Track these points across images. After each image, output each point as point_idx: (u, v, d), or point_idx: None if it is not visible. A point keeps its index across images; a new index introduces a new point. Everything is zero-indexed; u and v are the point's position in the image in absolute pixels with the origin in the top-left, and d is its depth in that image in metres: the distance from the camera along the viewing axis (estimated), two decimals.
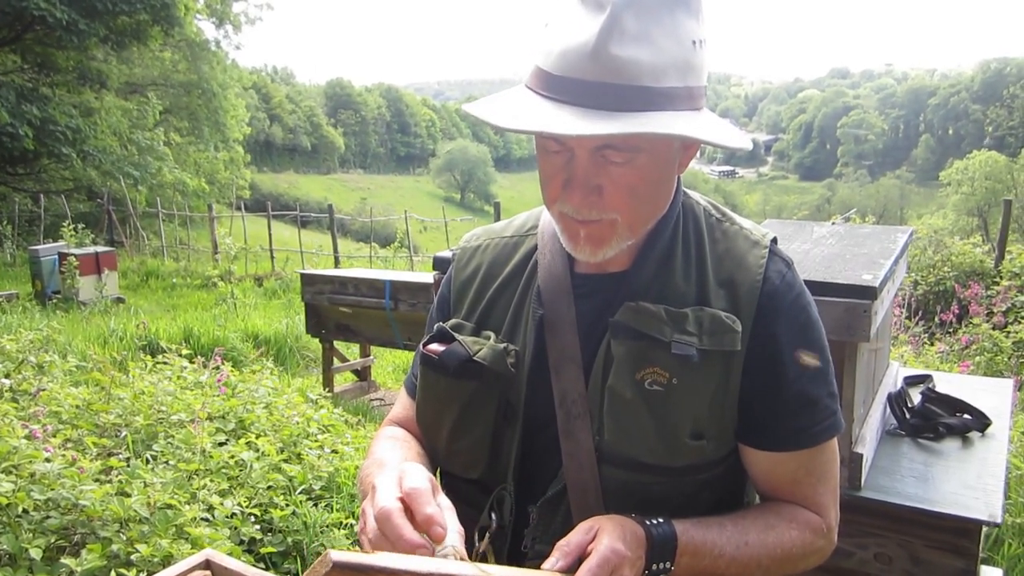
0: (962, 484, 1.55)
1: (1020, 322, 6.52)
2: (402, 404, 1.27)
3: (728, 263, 1.06)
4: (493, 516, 1.08)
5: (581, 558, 0.88)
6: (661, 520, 0.95)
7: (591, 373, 1.04)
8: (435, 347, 1.12)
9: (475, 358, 1.07)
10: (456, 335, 1.11)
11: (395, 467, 0.93)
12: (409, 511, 0.85)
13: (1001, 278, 7.60)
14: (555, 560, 0.88)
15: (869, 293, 1.48)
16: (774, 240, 1.09)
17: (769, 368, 1.02)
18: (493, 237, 1.23)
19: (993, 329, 6.21)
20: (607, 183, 0.97)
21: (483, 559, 1.09)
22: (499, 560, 1.08)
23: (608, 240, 1.01)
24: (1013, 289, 7.14)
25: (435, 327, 1.16)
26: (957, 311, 6.67)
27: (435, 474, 1.13)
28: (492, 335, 1.11)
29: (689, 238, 1.08)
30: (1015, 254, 8.20)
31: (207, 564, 1.31)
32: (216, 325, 7.31)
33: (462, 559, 0.85)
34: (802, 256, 1.75)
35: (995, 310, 6.57)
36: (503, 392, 1.07)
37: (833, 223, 2.11)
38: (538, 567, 0.89)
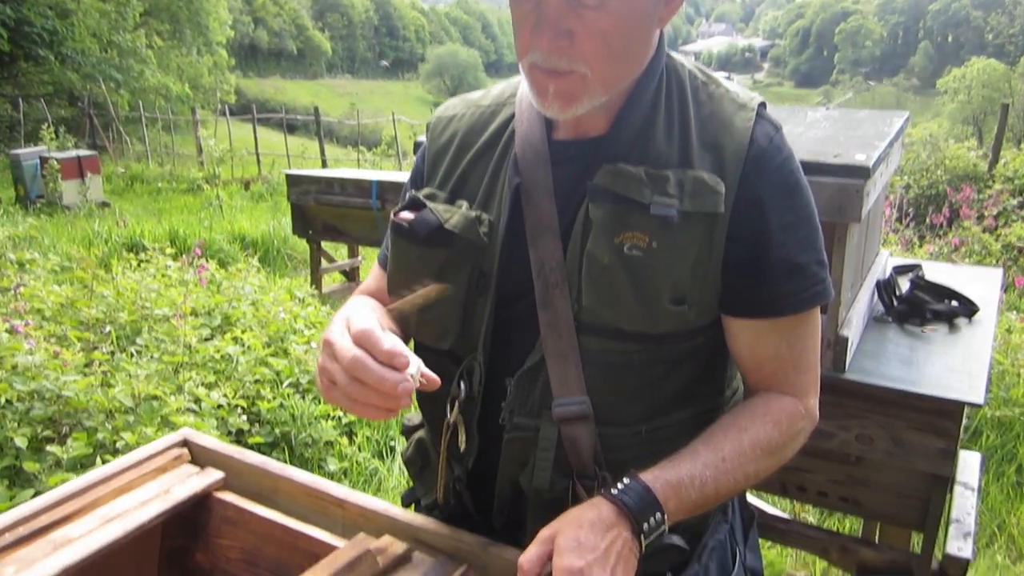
0: (947, 368, 1.54)
1: (1010, 225, 6.51)
2: (373, 276, 1.24)
3: (713, 125, 1.01)
4: (463, 386, 1.05)
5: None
6: (627, 481, 0.93)
7: (569, 240, 1.00)
8: (406, 215, 1.07)
9: (446, 226, 1.03)
10: (428, 203, 1.07)
11: (342, 322, 0.91)
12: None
13: (994, 181, 7.55)
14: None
15: (862, 173, 1.43)
16: (762, 104, 1.04)
17: (754, 233, 0.98)
18: (469, 107, 1.17)
19: (983, 232, 6.21)
20: (578, 28, 0.92)
21: (453, 429, 1.07)
22: (470, 441, 1.07)
23: (579, 96, 0.96)
24: (1005, 193, 7.11)
25: (407, 195, 1.11)
26: (948, 214, 6.65)
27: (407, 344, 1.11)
28: (465, 204, 1.07)
29: (672, 100, 1.03)
30: (1009, 159, 8.14)
31: (184, 443, 1.30)
32: (202, 227, 7.24)
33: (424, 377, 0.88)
34: (795, 138, 1.69)
35: (986, 213, 6.56)
36: (476, 261, 1.03)
37: (828, 108, 2.04)
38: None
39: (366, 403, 0.84)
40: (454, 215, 1.04)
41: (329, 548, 1.08)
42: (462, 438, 1.04)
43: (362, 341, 0.85)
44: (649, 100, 1.02)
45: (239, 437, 2.82)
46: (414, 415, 1.31)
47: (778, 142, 1.01)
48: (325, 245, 6.36)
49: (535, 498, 1.05)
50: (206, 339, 3.26)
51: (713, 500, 0.97)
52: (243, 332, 3.29)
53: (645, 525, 0.90)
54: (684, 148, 0.99)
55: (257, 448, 2.84)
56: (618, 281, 0.96)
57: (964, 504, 1.71)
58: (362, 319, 0.87)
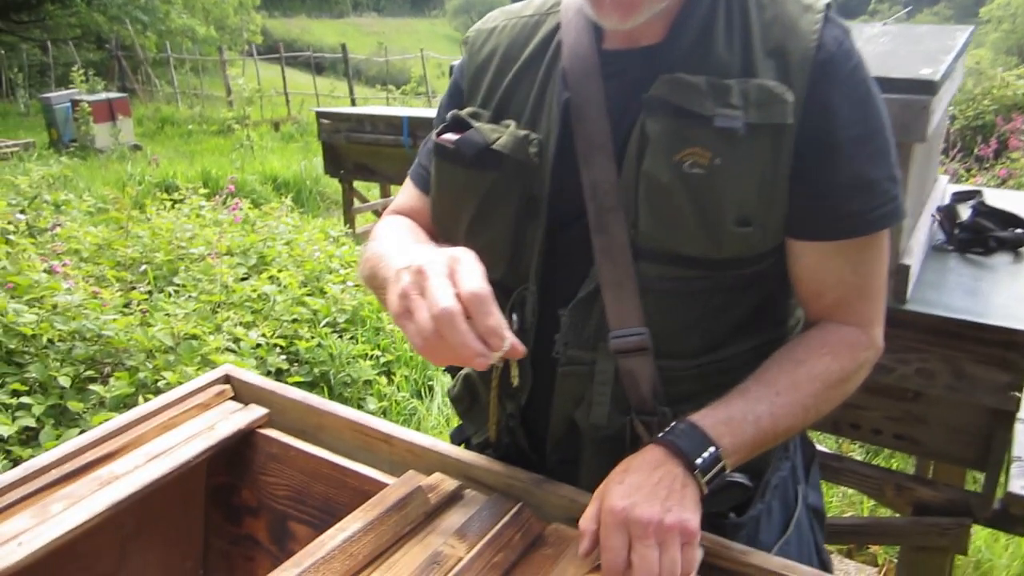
0: (1013, 297, 1.46)
1: None
2: (407, 195, 1.18)
3: (777, 29, 0.92)
4: (514, 318, 1.01)
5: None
6: (674, 424, 0.89)
7: (624, 160, 0.94)
8: (450, 136, 1.01)
9: (494, 147, 0.97)
10: (473, 122, 1.01)
11: (441, 254, 0.82)
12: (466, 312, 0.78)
13: None
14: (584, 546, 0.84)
15: (929, 88, 1.34)
16: (829, 4, 0.95)
17: (822, 144, 0.90)
18: (511, 18, 1.09)
19: None
20: None
21: (505, 365, 1.03)
22: (523, 377, 1.03)
23: (638, 4, 0.89)
24: None
25: (449, 115, 1.05)
26: (996, 145, 6.42)
27: None
28: (512, 123, 1.00)
29: (732, 3, 0.95)
30: None
31: (227, 379, 1.27)
32: (233, 168, 7.21)
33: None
34: None
35: None
36: (525, 185, 0.97)
37: (885, 23, 1.92)
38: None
39: (434, 350, 0.78)
40: (502, 135, 0.98)
41: (378, 485, 1.05)
42: (514, 374, 1.00)
43: (470, 303, 0.77)
44: (707, 4, 0.94)
45: (278, 376, 2.82)
46: None
47: (848, 47, 0.93)
48: (357, 185, 6.31)
49: (591, 435, 1.01)
50: (242, 278, 3.25)
51: (772, 437, 0.91)
52: (279, 271, 3.28)
53: (699, 460, 0.85)
54: (746, 55, 0.92)
55: (296, 387, 2.85)
56: (678, 202, 0.90)
57: None
58: (476, 277, 0.79)
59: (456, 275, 0.78)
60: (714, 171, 0.88)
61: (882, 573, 2.52)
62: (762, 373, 0.94)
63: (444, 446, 1.08)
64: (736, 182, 0.89)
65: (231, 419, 1.17)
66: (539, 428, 1.06)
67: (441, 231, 1.08)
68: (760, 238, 0.93)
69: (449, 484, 1.01)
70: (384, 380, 3.19)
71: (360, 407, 2.96)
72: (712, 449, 0.86)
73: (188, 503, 1.19)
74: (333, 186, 6.97)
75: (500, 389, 1.06)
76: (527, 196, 0.98)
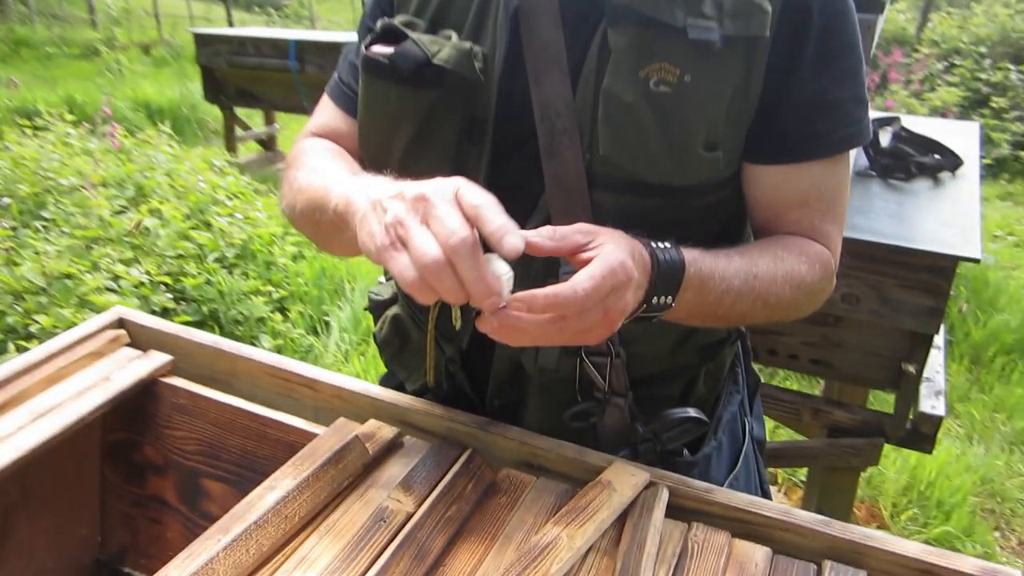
0: (938, 222, 1.48)
1: (935, 90, 6.56)
2: (327, 115, 1.05)
3: None
4: None
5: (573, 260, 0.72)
6: (667, 245, 0.79)
7: (580, 76, 0.85)
8: (382, 49, 0.89)
9: (435, 60, 0.86)
10: (409, 33, 0.89)
11: (443, 182, 0.69)
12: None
13: (922, 45, 7.56)
14: (536, 236, 0.70)
15: (877, 5, 1.31)
16: None
17: (792, 59, 0.84)
18: None
19: (909, 97, 6.23)
20: None
21: (443, 305, 0.95)
22: (465, 318, 0.94)
23: None
24: (932, 57, 7.12)
25: (379, 24, 0.92)
26: (877, 79, 6.64)
27: None
28: (453, 34, 0.89)
29: None
30: (936, 22, 8.13)
31: (120, 323, 1.13)
32: (102, 94, 6.66)
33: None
34: None
35: (913, 78, 6.57)
36: (469, 104, 0.87)
37: None
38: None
39: (435, 284, 0.65)
40: (443, 47, 0.86)
41: (305, 436, 0.96)
42: (456, 315, 0.91)
43: (479, 211, 0.65)
44: None
45: (165, 316, 2.63)
46: (382, 287, 1.16)
47: None
48: (239, 112, 5.95)
49: (538, 378, 0.94)
50: (120, 212, 3.00)
51: (722, 314, 0.84)
52: (160, 204, 3.03)
53: (655, 299, 0.76)
54: None
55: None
56: (643, 123, 0.82)
57: (932, 363, 1.69)
58: (480, 192, 0.68)
59: (464, 197, 0.67)
60: (683, 89, 0.81)
61: (782, 491, 2.61)
62: (746, 250, 0.87)
63: (376, 390, 0.99)
64: (706, 102, 0.82)
65: (129, 368, 1.04)
66: (480, 371, 0.98)
67: (370, 157, 0.97)
68: (726, 164, 0.86)
69: (386, 431, 0.92)
70: (279, 317, 3.03)
71: (253, 346, 2.80)
72: (669, 299, 0.77)
73: (82, 464, 1.06)
74: (213, 113, 6.54)
75: (437, 331, 0.97)
76: (470, 117, 0.88)
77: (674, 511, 0.83)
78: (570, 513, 0.79)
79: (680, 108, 0.81)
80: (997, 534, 2.40)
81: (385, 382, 1.08)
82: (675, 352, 0.94)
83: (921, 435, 1.53)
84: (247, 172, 5.19)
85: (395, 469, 0.88)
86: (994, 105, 6.51)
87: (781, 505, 0.84)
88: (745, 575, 0.77)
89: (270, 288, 3.10)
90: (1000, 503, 2.52)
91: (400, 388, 1.02)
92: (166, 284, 2.66)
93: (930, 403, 1.54)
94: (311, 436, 0.95)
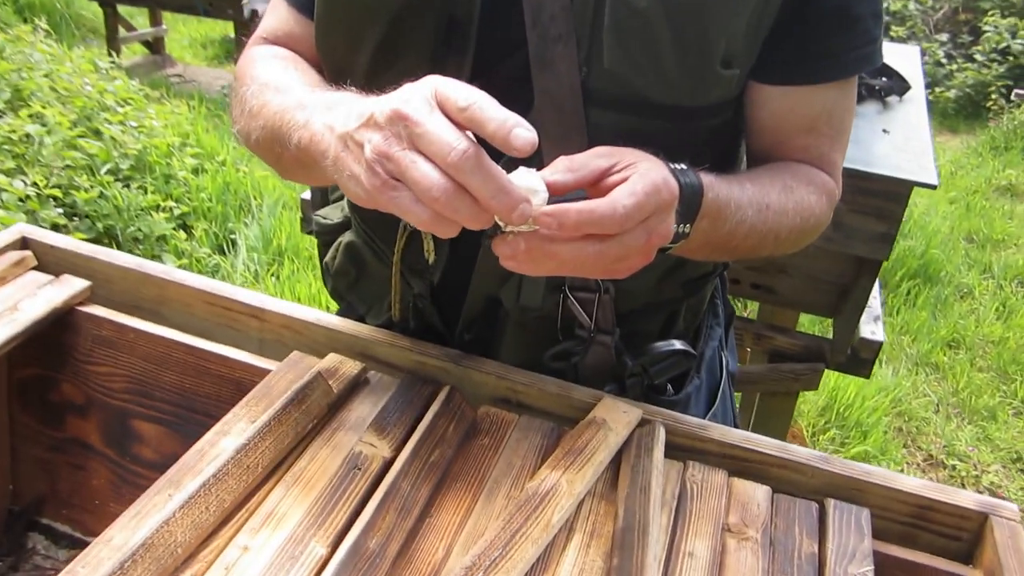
0: (892, 147, 1.46)
1: None
2: (278, 16, 0.91)
3: None
4: None
5: (594, 187, 0.63)
6: (684, 167, 0.70)
7: None
8: None
9: None
10: None
11: (413, 88, 0.59)
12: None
13: None
14: (552, 173, 0.61)
15: None
16: None
17: None
18: None
19: None
20: None
21: (411, 235, 0.85)
22: (439, 251, 0.84)
23: None
24: None
25: None
26: None
27: None
28: None
29: None
30: None
31: (23, 243, 0.98)
32: None
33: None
34: None
35: None
36: (447, 4, 0.76)
37: None
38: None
39: (454, 213, 0.56)
40: None
41: (253, 371, 0.86)
42: (429, 248, 0.81)
43: (471, 118, 0.55)
44: None
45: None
46: (330, 210, 1.05)
47: None
48: (122, 10, 5.46)
49: (518, 316, 0.86)
50: None
51: (732, 247, 0.78)
52: (43, 108, 2.74)
53: (678, 228, 0.68)
54: None
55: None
56: (656, 32, 0.72)
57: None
58: (463, 88, 0.57)
59: (449, 95, 0.57)
60: None
61: None
62: (756, 178, 0.79)
63: (333, 320, 0.89)
64: (728, 10, 0.73)
65: (40, 296, 0.91)
66: (451, 306, 0.89)
67: (330, 66, 0.84)
68: (738, 83, 0.79)
69: (349, 367, 0.83)
70: (182, 235, 2.83)
71: None
72: (686, 227, 0.70)
73: None
74: (92, 10, 5.99)
75: (404, 264, 0.88)
76: (449, 18, 0.76)
77: (668, 449, 0.78)
78: (568, 456, 0.72)
79: (699, 16, 0.72)
80: (904, 451, 2.52)
81: (344, 314, 0.98)
82: (660, 286, 0.88)
83: (861, 360, 1.55)
84: (134, 77, 4.79)
85: (364, 409, 0.79)
86: (893, 34, 6.64)
87: (777, 441, 0.80)
88: (748, 515, 0.73)
89: (171, 203, 2.88)
90: (907, 422, 2.64)
91: (360, 321, 0.92)
92: (55, 198, 2.42)
93: (869, 329, 1.55)
94: (261, 372, 0.85)
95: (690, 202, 0.68)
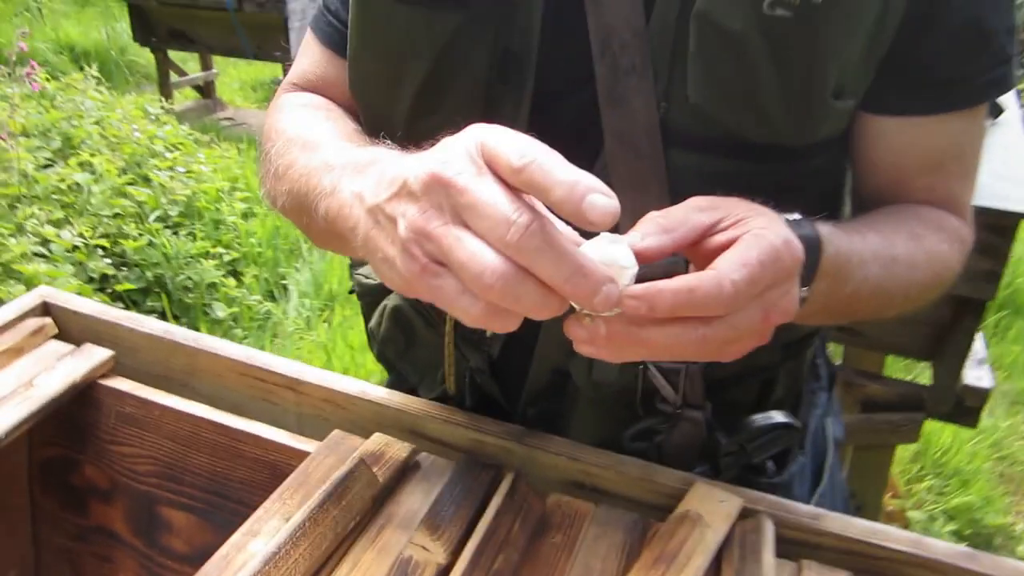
0: (991, 174, 1.31)
1: None
2: (311, 58, 0.82)
3: None
4: None
5: (693, 248, 0.52)
6: (797, 217, 0.58)
7: None
8: None
9: None
10: None
11: (454, 142, 0.48)
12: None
13: None
14: (643, 236, 0.50)
15: None
16: None
17: None
18: None
19: None
20: None
21: None
22: None
23: None
24: None
25: None
26: None
27: None
28: None
29: None
30: None
31: (45, 308, 0.90)
32: (19, 35, 6.14)
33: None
34: None
35: None
36: (500, 34, 0.65)
37: None
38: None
39: (519, 306, 0.45)
40: None
41: (290, 453, 0.76)
42: None
43: (530, 182, 0.44)
44: None
45: (103, 284, 2.36)
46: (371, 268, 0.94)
47: None
48: (173, 55, 5.54)
49: (590, 393, 0.74)
50: (46, 166, 2.69)
51: (855, 309, 0.65)
52: (91, 156, 2.73)
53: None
54: None
55: (127, 297, 2.40)
56: (753, 60, 0.61)
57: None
58: (518, 140, 0.45)
59: (495, 150, 0.45)
60: (810, 14, 0.60)
61: None
62: (877, 225, 0.67)
63: (378, 392, 0.79)
64: (840, 32, 0.61)
65: (58, 368, 0.83)
66: (513, 377, 0.78)
67: (366, 113, 0.74)
68: (850, 115, 0.67)
69: (397, 449, 0.72)
70: (232, 282, 2.78)
71: (206, 315, 2.55)
72: (804, 291, 0.57)
73: (6, 490, 0.84)
74: (145, 56, 6.10)
75: (457, 333, 0.77)
76: (503, 51, 0.66)
77: (777, 543, 0.65)
78: (659, 563, 0.60)
79: (806, 40, 0.61)
80: (1010, 498, 2.31)
81: (394, 387, 0.87)
82: (756, 351, 0.75)
83: (966, 409, 1.39)
84: (185, 121, 4.83)
85: (414, 500, 0.68)
86: None
87: (909, 534, 0.67)
88: None
89: (220, 250, 2.84)
90: (1011, 466, 2.43)
91: (413, 392, 0.81)
92: (103, 248, 2.38)
93: (975, 374, 1.40)
94: (299, 455, 0.75)
95: (808, 258, 0.56)
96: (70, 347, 0.86)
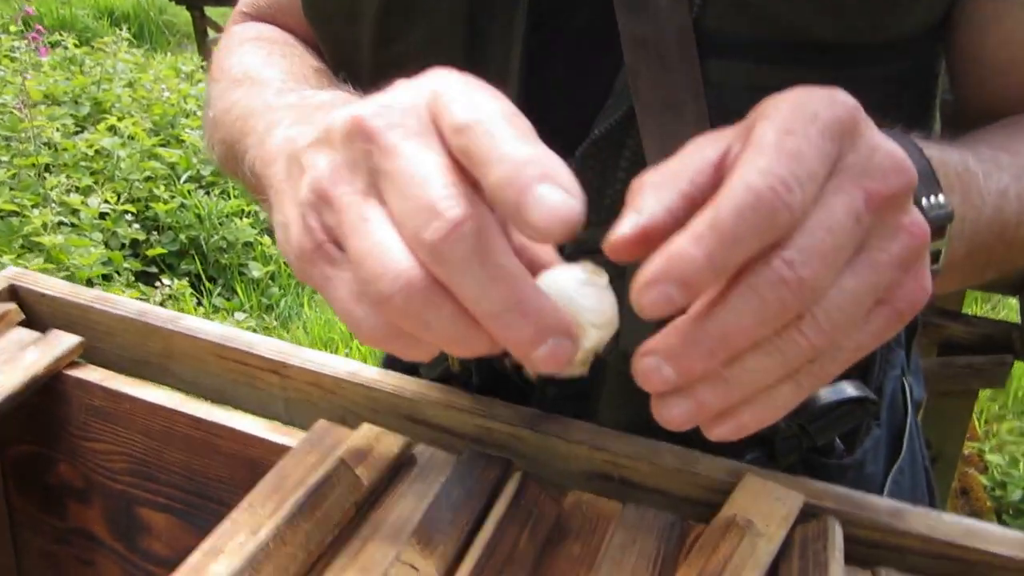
0: None
1: None
2: None
3: None
4: None
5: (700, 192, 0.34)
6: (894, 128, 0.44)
7: None
8: None
9: None
10: None
11: (403, 89, 0.34)
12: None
13: None
14: (634, 214, 0.33)
15: None
16: None
17: None
18: None
19: None
20: None
21: None
22: None
23: None
24: None
25: None
26: None
27: None
28: None
29: None
30: None
31: (13, 292, 0.82)
32: (59, 3, 6.13)
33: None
34: None
35: None
36: None
37: None
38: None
39: (420, 331, 0.32)
40: None
41: (271, 449, 0.66)
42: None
43: (466, 150, 0.31)
44: None
45: (135, 250, 2.31)
46: None
47: None
48: (210, 12, 5.45)
49: (620, 366, 0.61)
50: (74, 133, 2.63)
51: (980, 249, 0.49)
52: (120, 120, 2.66)
53: (924, 200, 0.41)
54: None
55: (160, 262, 2.34)
56: None
57: None
58: (480, 94, 0.33)
59: (457, 133, 0.32)
60: None
61: None
62: (987, 139, 0.52)
63: (370, 374, 0.68)
64: None
65: (22, 358, 0.74)
66: None
67: (328, 45, 0.62)
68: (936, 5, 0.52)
69: (388, 443, 0.62)
70: (268, 240, 2.70)
71: (242, 276, 2.49)
72: (938, 196, 0.42)
73: None
74: (183, 16, 6.03)
75: None
76: None
77: (847, 544, 0.53)
78: None
79: None
80: None
81: (392, 365, 0.76)
82: None
83: None
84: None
85: (405, 505, 0.58)
86: None
87: (1016, 534, 0.53)
88: None
89: (254, 207, 2.76)
90: None
91: (413, 373, 0.70)
92: (133, 213, 2.32)
93: None
94: (279, 449, 0.65)
95: (917, 162, 0.41)
96: (36, 335, 0.77)
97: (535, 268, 0.37)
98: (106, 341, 0.78)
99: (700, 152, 0.35)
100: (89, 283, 1.86)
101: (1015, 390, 2.14)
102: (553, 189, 0.29)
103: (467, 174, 0.31)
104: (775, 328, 0.31)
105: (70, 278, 0.83)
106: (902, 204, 0.33)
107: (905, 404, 0.72)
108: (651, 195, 0.33)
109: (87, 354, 0.76)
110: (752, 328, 0.31)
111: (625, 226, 0.32)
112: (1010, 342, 1.29)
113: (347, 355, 0.70)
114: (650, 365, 0.33)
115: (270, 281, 2.53)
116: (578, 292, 0.34)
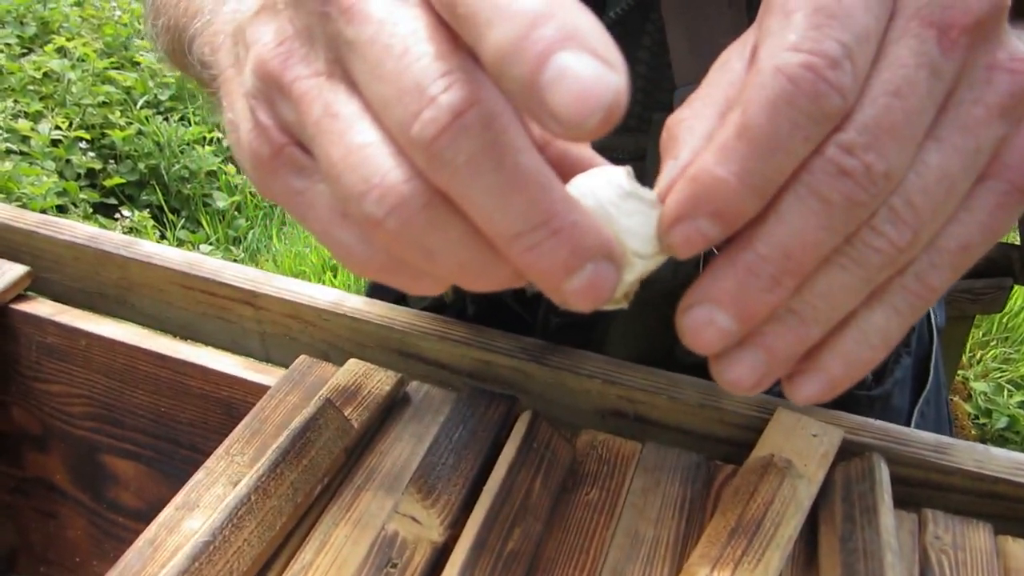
0: None
1: None
2: None
3: None
4: None
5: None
6: None
7: None
8: None
9: None
10: None
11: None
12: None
13: None
14: (677, 151, 0.26)
15: None
16: None
17: None
18: None
19: None
20: None
21: None
22: None
23: None
24: None
25: None
26: None
27: None
28: None
29: None
30: None
31: None
32: None
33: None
34: None
35: None
36: None
37: None
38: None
39: (415, 259, 0.24)
40: None
41: (247, 388, 0.60)
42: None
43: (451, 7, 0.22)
44: None
45: (92, 180, 2.19)
46: None
47: None
48: None
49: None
50: (21, 55, 2.47)
51: None
52: (69, 40, 2.50)
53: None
54: None
55: (120, 192, 2.22)
56: None
57: None
58: None
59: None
60: None
61: None
62: None
63: (354, 303, 0.61)
64: None
65: None
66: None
67: None
68: None
69: (380, 379, 0.55)
70: (232, 168, 2.59)
71: (206, 206, 2.38)
72: None
73: None
74: None
75: None
76: None
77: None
78: (736, 537, 0.43)
79: None
80: None
81: (377, 293, 0.69)
82: None
83: None
84: None
85: (401, 449, 0.52)
86: None
87: None
88: None
89: (217, 134, 2.63)
90: None
91: (401, 301, 0.63)
92: (87, 140, 2.19)
93: None
94: (256, 389, 0.58)
95: None
96: None
97: (565, 171, 0.29)
98: (56, 271, 0.70)
99: (727, 62, 0.27)
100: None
101: (1000, 316, 2.13)
102: (581, 56, 0.20)
103: (461, 39, 0.23)
104: (845, 234, 0.25)
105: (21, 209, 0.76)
106: (992, 34, 0.24)
107: (931, 331, 0.67)
108: (686, 133, 0.26)
109: (36, 286, 0.69)
110: (818, 239, 0.24)
111: (665, 180, 0.25)
112: (1009, 264, 1.25)
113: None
114: (701, 318, 0.26)
115: (236, 212, 2.43)
116: (619, 208, 0.27)
